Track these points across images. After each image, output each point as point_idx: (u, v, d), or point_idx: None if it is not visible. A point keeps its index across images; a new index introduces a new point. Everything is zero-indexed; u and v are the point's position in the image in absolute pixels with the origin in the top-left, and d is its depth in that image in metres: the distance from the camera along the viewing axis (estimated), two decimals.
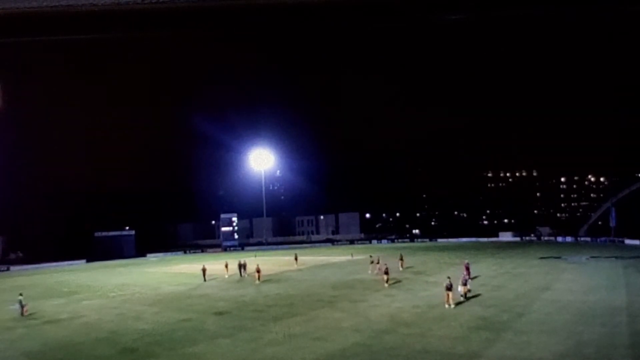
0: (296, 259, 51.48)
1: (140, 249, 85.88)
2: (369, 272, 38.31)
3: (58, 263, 74.72)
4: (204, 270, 40.42)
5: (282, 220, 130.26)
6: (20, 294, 29.72)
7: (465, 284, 24.85)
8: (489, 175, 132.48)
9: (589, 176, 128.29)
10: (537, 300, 23.51)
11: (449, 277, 23.97)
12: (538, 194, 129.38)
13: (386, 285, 29.88)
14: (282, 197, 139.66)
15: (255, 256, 69.38)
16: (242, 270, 41.20)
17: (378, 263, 38.88)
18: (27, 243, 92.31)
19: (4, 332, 23.24)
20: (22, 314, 27.58)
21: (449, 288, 22.71)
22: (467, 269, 31.35)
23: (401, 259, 41.03)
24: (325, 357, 16.02)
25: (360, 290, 30.43)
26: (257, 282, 35.77)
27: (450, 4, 3.00)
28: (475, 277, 31.52)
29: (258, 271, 36.95)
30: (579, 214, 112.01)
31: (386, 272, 30.85)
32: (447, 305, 22.36)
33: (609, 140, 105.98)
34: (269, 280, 37.32)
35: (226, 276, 41.23)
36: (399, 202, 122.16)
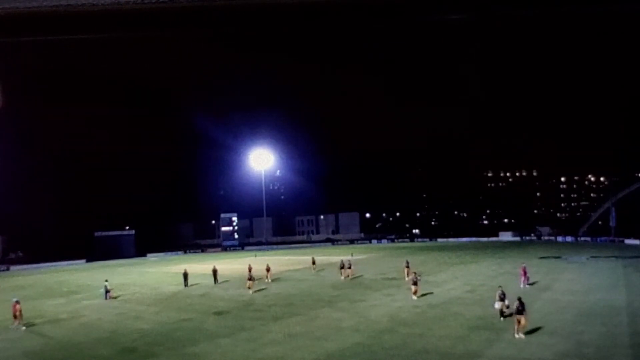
0: (314, 262, 43.90)
1: (140, 249, 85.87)
2: (342, 278, 36.03)
3: (58, 263, 74.74)
4: (185, 275, 37.28)
5: (282, 220, 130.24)
6: (106, 280, 34.34)
7: (502, 300, 20.04)
8: (489, 175, 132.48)
9: (589, 176, 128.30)
10: (537, 300, 23.52)
11: (519, 299, 17.72)
12: (538, 194, 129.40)
13: (414, 297, 25.49)
14: (282, 197, 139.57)
15: (255, 256, 69.40)
16: (215, 277, 37.83)
17: (350, 268, 36.45)
18: (27, 243, 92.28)
19: (4, 331, 23.24)
20: (106, 297, 31.92)
21: (521, 311, 17.15)
22: (525, 273, 28.29)
23: (407, 267, 34.57)
24: (325, 357, 16.02)
25: (360, 290, 30.44)
26: (250, 291, 31.16)
27: (450, 4, 3.00)
28: (534, 283, 28.70)
29: (250, 279, 32.02)
30: (579, 214, 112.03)
31: (415, 283, 25.87)
32: (517, 335, 17.01)
33: (609, 140, 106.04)
34: (261, 278, 37.22)
35: (268, 280, 36.51)
36: (399, 202, 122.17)
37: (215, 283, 37.04)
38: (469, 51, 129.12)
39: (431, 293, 27.33)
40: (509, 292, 25.79)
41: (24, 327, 23.60)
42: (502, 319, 19.56)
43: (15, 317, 23.74)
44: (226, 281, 38.10)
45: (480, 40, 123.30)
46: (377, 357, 15.61)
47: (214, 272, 38.15)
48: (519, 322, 17.16)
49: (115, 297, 32.49)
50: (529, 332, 17.52)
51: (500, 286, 21.01)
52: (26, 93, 79.66)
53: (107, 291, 32.51)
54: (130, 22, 2.96)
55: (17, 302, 24.20)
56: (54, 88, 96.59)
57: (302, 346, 17.43)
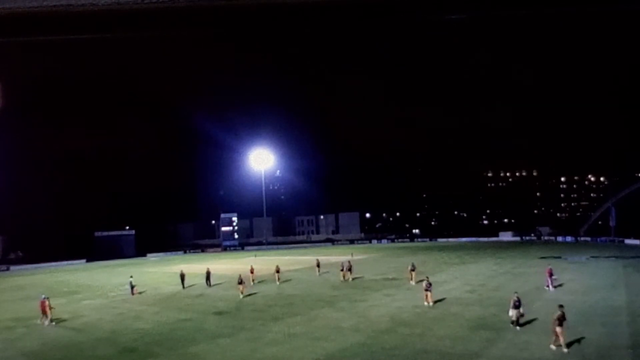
0: (318, 265, 41.44)
1: (140, 249, 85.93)
2: (341, 279, 35.23)
3: (58, 263, 74.75)
4: (182, 276, 36.17)
5: (282, 220, 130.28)
6: (131, 276, 35.50)
7: (517, 307, 18.21)
8: (489, 175, 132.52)
9: (589, 176, 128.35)
10: (537, 300, 23.50)
11: (561, 306, 15.97)
12: (538, 194, 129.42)
13: (426, 303, 23.70)
14: (282, 197, 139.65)
15: (255, 256, 69.41)
16: (209, 279, 36.44)
17: (342, 270, 35.71)
18: (27, 243, 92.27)
19: (3, 331, 23.25)
20: (132, 293, 33.03)
21: (561, 322, 15.27)
22: (551, 275, 27.43)
23: (412, 270, 32.59)
24: (325, 357, 16.02)
25: (360, 290, 30.44)
26: (240, 296, 29.49)
27: (450, 4, 3.00)
28: (560, 285, 27.71)
29: (240, 282, 30.09)
30: (579, 214, 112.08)
31: (427, 289, 24.07)
32: (552, 346, 15.27)
33: (609, 140, 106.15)
34: (267, 280, 37.24)
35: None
36: (399, 202, 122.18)
37: (209, 286, 35.63)
38: (470, 51, 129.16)
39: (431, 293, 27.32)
40: (509, 293, 25.85)
41: (53, 323, 24.04)
42: (517, 327, 17.96)
43: (43, 313, 24.15)
44: (219, 283, 37.01)
45: (480, 40, 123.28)
46: (377, 357, 15.60)
47: (207, 274, 36.77)
48: (557, 334, 15.24)
49: (140, 293, 33.40)
50: (529, 331, 17.53)
51: (515, 292, 19.33)
52: (26, 93, 79.65)
53: (132, 287, 33.51)
54: (130, 22, 2.96)
55: (46, 298, 24.67)
56: (54, 88, 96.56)
57: (302, 346, 17.43)
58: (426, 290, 24.00)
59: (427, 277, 25.86)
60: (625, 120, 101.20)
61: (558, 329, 15.17)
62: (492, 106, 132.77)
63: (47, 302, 24.26)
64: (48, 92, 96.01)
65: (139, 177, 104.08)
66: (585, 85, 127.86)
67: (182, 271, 37.88)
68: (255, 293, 31.14)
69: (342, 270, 35.99)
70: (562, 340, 15.14)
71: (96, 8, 2.81)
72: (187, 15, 2.98)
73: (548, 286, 27.16)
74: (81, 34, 3.12)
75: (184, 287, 35.60)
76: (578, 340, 16.13)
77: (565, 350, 15.01)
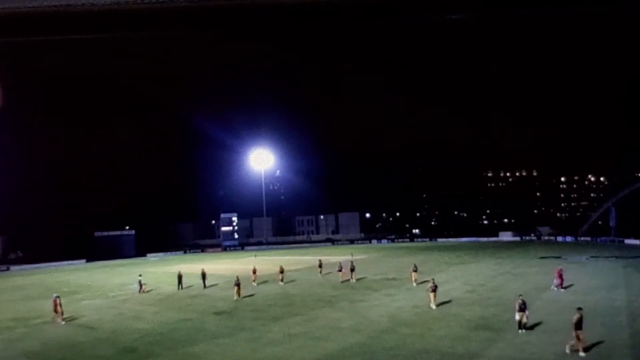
0: (320, 265, 41.01)
1: (140, 249, 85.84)
2: (340, 280, 34.80)
3: (58, 263, 74.69)
4: (179, 277, 35.73)
5: (282, 220, 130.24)
6: (140, 275, 36.19)
7: (522, 310, 17.77)
8: (489, 175, 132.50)
9: (589, 176, 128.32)
10: (537, 300, 23.51)
11: (579, 309, 15.49)
12: (538, 194, 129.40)
13: (432, 306, 23.01)
14: (282, 197, 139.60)
15: (255, 256, 69.39)
16: (204, 280, 35.87)
17: (340, 270, 35.33)
18: (27, 243, 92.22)
19: (4, 331, 23.25)
20: (139, 291, 33.69)
21: (579, 324, 14.87)
22: (561, 276, 26.93)
23: (414, 271, 31.78)
24: (325, 357, 16.03)
25: (360, 290, 30.44)
26: (235, 297, 29.01)
27: (450, 4, 3.00)
28: (570, 286, 27.28)
29: (237, 284, 29.47)
30: (579, 214, 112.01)
31: (433, 290, 23.12)
32: (582, 353, 14.66)
33: (609, 140, 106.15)
34: (268, 280, 37.25)
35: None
36: (399, 202, 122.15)
37: (204, 287, 35.14)
38: (470, 51, 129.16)
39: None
40: (509, 293, 25.88)
41: (63, 322, 24.27)
42: (521, 331, 17.57)
43: (55, 311, 24.56)
44: (217, 284, 36.64)
45: (480, 40, 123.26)
46: (377, 357, 15.61)
47: (203, 274, 36.22)
48: (578, 337, 14.72)
49: (148, 292, 33.94)
50: (529, 332, 17.52)
51: (520, 295, 18.94)
52: (27, 93, 79.62)
53: (141, 285, 34.08)
54: (130, 22, 2.96)
55: (58, 297, 25.11)
56: (54, 88, 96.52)
57: (302, 346, 17.43)
58: (432, 291, 23.08)
59: (433, 279, 24.62)
60: (625, 120, 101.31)
61: (574, 333, 14.82)
62: (493, 106, 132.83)
63: (57, 301, 24.65)
64: (48, 91, 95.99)
65: (139, 177, 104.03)
66: (586, 85, 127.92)
67: (179, 272, 37.42)
68: (254, 294, 31.12)
69: (339, 270, 35.61)
70: (574, 342, 14.89)
71: (96, 8, 2.81)
72: (187, 15, 2.98)
73: (557, 286, 26.63)
74: (81, 34, 3.12)
75: (181, 288, 35.26)
76: None
77: (583, 354, 14.65)
